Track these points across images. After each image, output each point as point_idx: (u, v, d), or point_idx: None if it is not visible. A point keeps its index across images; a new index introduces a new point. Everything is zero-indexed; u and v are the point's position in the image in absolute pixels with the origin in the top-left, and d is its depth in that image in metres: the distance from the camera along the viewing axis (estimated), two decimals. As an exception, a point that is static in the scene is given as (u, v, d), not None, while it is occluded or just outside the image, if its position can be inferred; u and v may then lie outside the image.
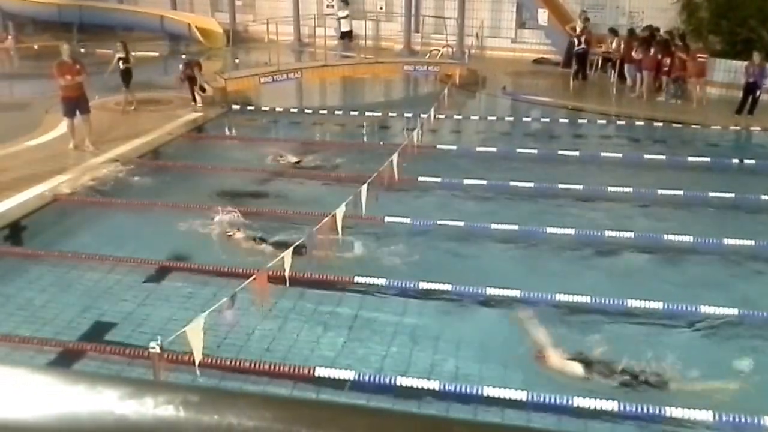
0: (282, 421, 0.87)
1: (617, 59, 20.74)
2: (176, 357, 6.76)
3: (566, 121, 17.66)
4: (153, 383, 0.88)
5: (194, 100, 18.38)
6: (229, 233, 10.30)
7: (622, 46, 20.41)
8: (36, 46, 26.60)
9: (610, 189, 12.19)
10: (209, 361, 6.77)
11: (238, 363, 7.19)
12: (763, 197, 11.87)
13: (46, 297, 8.67)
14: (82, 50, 24.05)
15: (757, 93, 17.28)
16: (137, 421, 0.83)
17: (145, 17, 28.87)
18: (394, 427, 0.88)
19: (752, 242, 10.06)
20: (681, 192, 12.11)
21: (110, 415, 0.83)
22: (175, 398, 0.87)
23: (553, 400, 6.58)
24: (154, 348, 6.34)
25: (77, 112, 14.32)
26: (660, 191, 12.13)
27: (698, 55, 18.59)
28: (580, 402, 6.56)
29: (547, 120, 17.92)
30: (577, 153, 14.68)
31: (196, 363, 6.37)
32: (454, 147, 15.17)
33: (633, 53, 19.63)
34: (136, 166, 13.51)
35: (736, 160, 14.49)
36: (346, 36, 25.10)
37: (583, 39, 21.27)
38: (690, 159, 14.18)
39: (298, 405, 0.93)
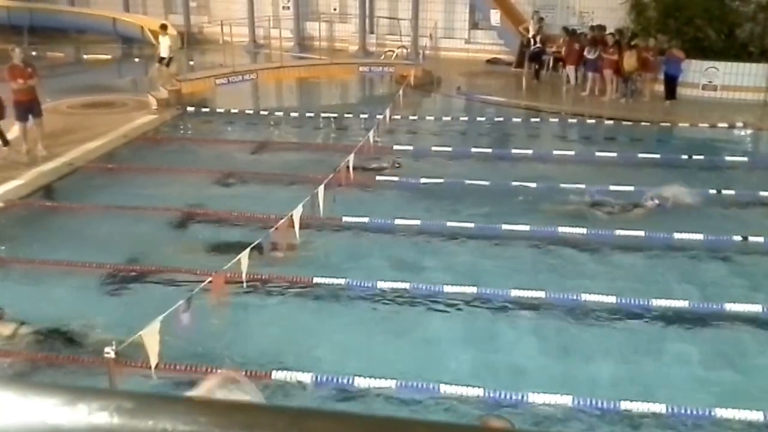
0: (218, 426, 0.85)
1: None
2: (132, 363, 6.73)
3: (519, 120, 17.85)
4: (86, 390, 0.89)
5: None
6: None
7: (576, 45, 20.62)
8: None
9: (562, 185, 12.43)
10: (165, 366, 6.77)
11: (194, 368, 7.18)
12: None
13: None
14: (34, 53, 23.59)
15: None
16: (70, 430, 0.85)
17: (97, 19, 28.39)
18: (342, 430, 0.86)
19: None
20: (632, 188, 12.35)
21: (42, 424, 0.85)
22: (108, 405, 0.87)
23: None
24: (109, 353, 6.31)
25: (30, 116, 14.07)
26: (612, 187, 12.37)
27: (647, 52, 18.99)
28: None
29: (501, 119, 18.08)
30: (530, 151, 14.88)
31: (153, 367, 6.36)
32: (410, 147, 15.25)
33: (585, 53, 19.87)
34: (89, 170, 13.37)
35: (685, 156, 14.74)
36: (161, 62, 20.60)
37: (538, 38, 21.52)
38: (640, 155, 14.48)
39: (235, 409, 0.90)
